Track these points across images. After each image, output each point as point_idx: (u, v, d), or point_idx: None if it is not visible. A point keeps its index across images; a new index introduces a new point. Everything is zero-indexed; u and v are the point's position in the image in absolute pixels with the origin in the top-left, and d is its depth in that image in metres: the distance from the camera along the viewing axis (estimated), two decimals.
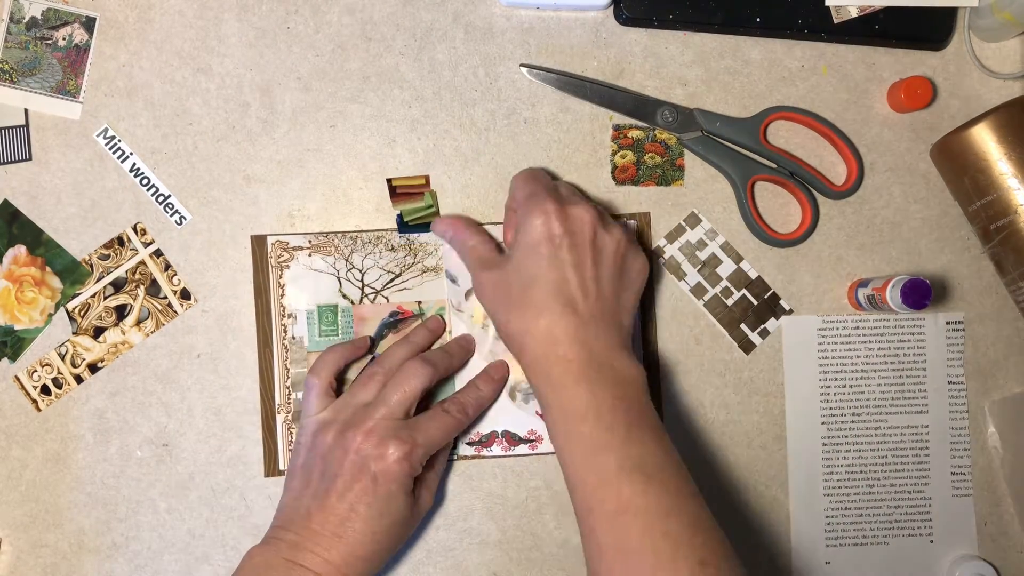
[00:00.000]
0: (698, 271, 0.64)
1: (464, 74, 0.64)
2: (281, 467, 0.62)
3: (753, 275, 0.64)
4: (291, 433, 0.62)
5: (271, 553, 0.54)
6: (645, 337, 0.63)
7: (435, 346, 0.63)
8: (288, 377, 0.62)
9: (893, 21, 0.64)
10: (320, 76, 0.63)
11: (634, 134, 0.64)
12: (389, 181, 0.63)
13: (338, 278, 0.63)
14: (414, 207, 0.63)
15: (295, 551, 0.54)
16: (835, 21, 0.64)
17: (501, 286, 0.55)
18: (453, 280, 0.63)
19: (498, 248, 0.60)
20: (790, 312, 0.65)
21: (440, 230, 0.61)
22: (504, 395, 0.63)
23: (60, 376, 0.62)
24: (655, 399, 0.63)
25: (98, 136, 0.63)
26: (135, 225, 0.63)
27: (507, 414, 0.63)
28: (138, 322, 0.63)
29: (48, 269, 0.62)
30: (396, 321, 0.63)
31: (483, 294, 0.57)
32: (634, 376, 0.53)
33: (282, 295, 0.62)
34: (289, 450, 0.62)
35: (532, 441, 0.63)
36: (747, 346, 0.64)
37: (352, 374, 0.62)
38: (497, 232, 0.63)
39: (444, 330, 0.63)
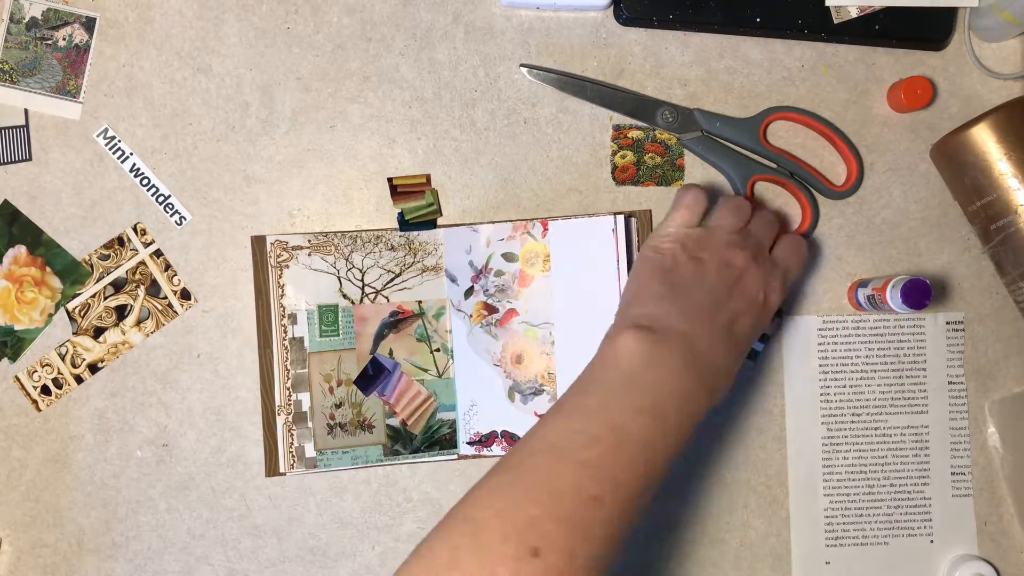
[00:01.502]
0: None
1: (464, 74, 0.64)
2: (282, 468, 0.62)
3: None
4: (292, 435, 0.62)
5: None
6: None
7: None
8: (289, 378, 0.62)
9: (893, 21, 0.64)
10: (320, 76, 0.63)
11: (634, 134, 0.64)
12: (390, 180, 0.63)
13: (338, 278, 0.63)
14: (415, 205, 0.63)
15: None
16: (835, 21, 0.64)
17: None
18: (453, 279, 0.63)
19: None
20: (777, 315, 0.65)
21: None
22: (504, 396, 0.63)
23: (60, 376, 0.62)
24: None
25: (98, 136, 0.63)
26: (135, 225, 0.63)
27: (507, 415, 0.63)
28: (138, 322, 0.63)
29: (48, 269, 0.62)
30: (396, 321, 0.63)
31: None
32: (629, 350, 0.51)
33: (282, 295, 0.62)
34: (290, 452, 0.62)
35: None
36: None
37: (347, 367, 0.62)
38: (494, 230, 0.63)
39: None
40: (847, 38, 0.64)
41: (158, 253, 0.63)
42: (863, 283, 0.63)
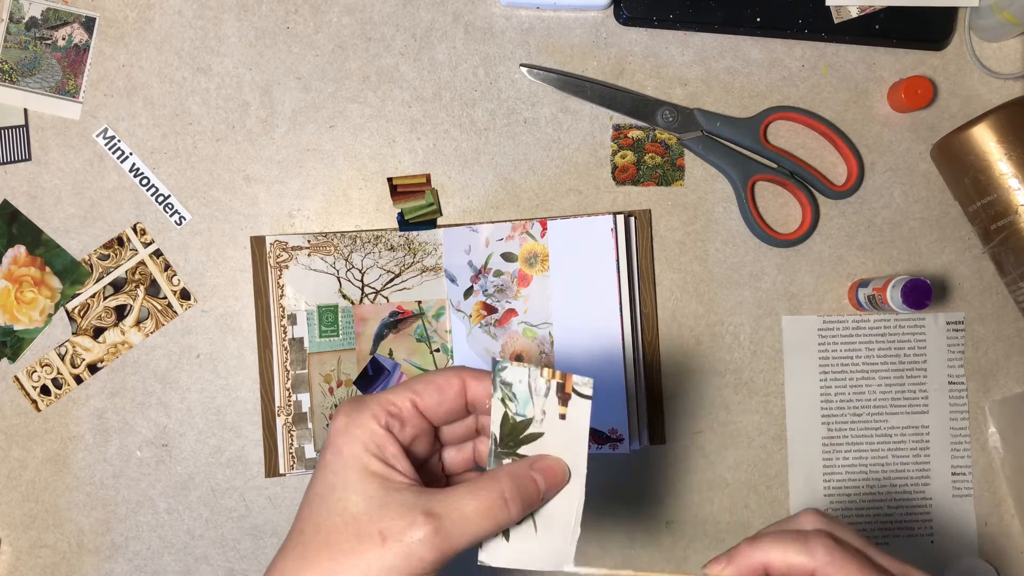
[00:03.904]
0: None
1: (464, 74, 0.64)
2: (281, 470, 0.62)
3: None
4: (291, 436, 0.62)
5: None
6: (645, 338, 0.63)
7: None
8: (288, 379, 0.62)
9: (893, 21, 0.64)
10: (320, 76, 0.63)
11: (634, 134, 0.64)
12: (390, 180, 0.63)
13: (338, 278, 0.63)
14: (415, 205, 0.63)
15: None
16: (835, 21, 0.64)
17: None
18: (452, 280, 0.63)
19: None
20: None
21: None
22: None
23: (60, 376, 0.62)
24: (656, 398, 0.63)
25: (98, 136, 0.63)
26: (135, 225, 0.63)
27: None
28: (138, 322, 0.63)
29: (48, 269, 0.62)
30: (396, 321, 0.63)
31: None
32: None
33: (281, 296, 0.62)
34: (290, 453, 0.62)
35: None
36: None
37: (347, 367, 0.62)
38: (493, 230, 0.63)
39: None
40: (847, 38, 0.64)
41: (158, 253, 0.63)
42: (863, 283, 0.63)
